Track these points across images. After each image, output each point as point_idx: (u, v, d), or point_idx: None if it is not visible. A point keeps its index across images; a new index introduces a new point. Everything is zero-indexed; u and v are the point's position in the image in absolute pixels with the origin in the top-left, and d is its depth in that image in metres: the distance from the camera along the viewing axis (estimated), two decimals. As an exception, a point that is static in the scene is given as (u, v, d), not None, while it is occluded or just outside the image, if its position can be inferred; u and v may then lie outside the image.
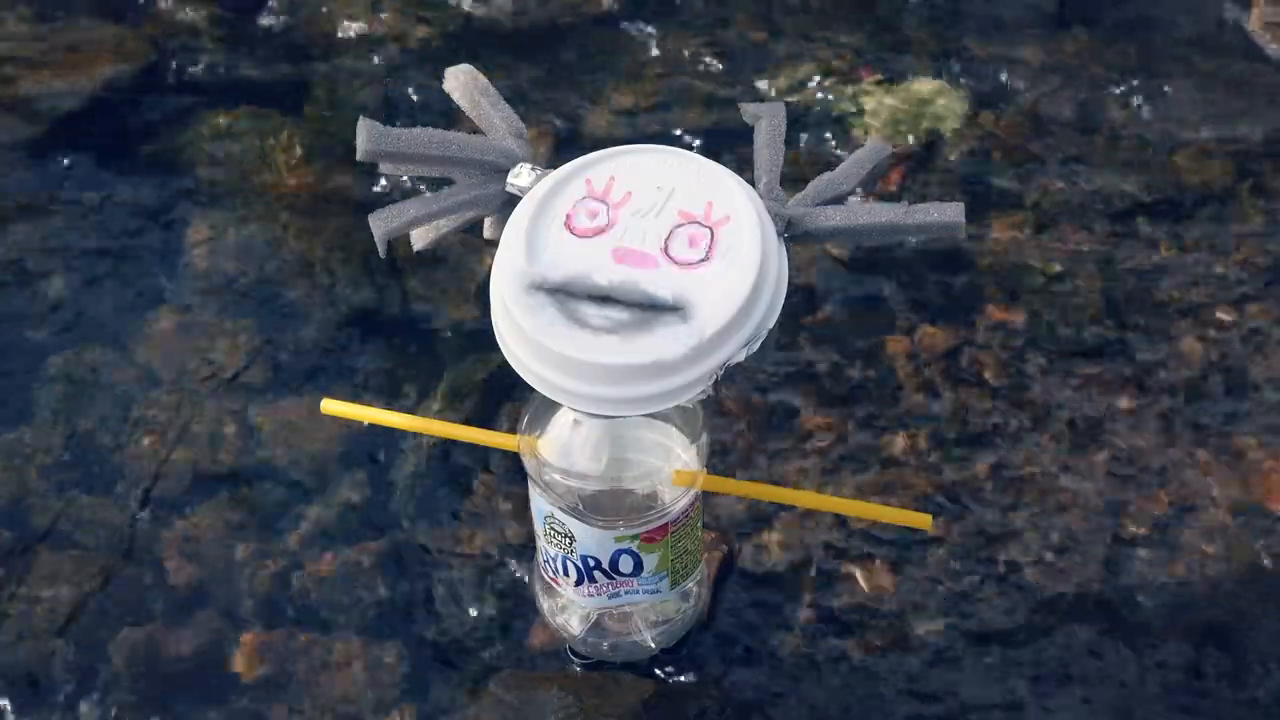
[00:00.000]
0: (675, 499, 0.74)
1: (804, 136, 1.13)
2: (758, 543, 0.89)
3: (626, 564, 0.75)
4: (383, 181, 1.10)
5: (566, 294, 0.62)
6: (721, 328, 0.61)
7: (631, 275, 0.62)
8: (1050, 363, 0.98)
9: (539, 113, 1.15)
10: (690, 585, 0.81)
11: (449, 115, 1.05)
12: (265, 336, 1.01)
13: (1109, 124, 1.14)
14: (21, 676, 0.85)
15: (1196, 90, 1.16)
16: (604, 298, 0.61)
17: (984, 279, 1.03)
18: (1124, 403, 0.96)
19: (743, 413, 0.95)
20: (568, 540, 0.74)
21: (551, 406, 0.72)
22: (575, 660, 0.84)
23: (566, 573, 0.77)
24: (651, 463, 0.75)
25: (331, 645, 0.85)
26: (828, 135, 1.14)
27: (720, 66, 1.20)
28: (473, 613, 0.87)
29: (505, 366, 0.64)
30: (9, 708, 0.83)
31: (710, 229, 0.64)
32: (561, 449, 0.73)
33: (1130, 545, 0.89)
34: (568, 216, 0.65)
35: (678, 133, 1.14)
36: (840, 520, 0.89)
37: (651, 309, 0.61)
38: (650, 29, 1.23)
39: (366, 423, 0.93)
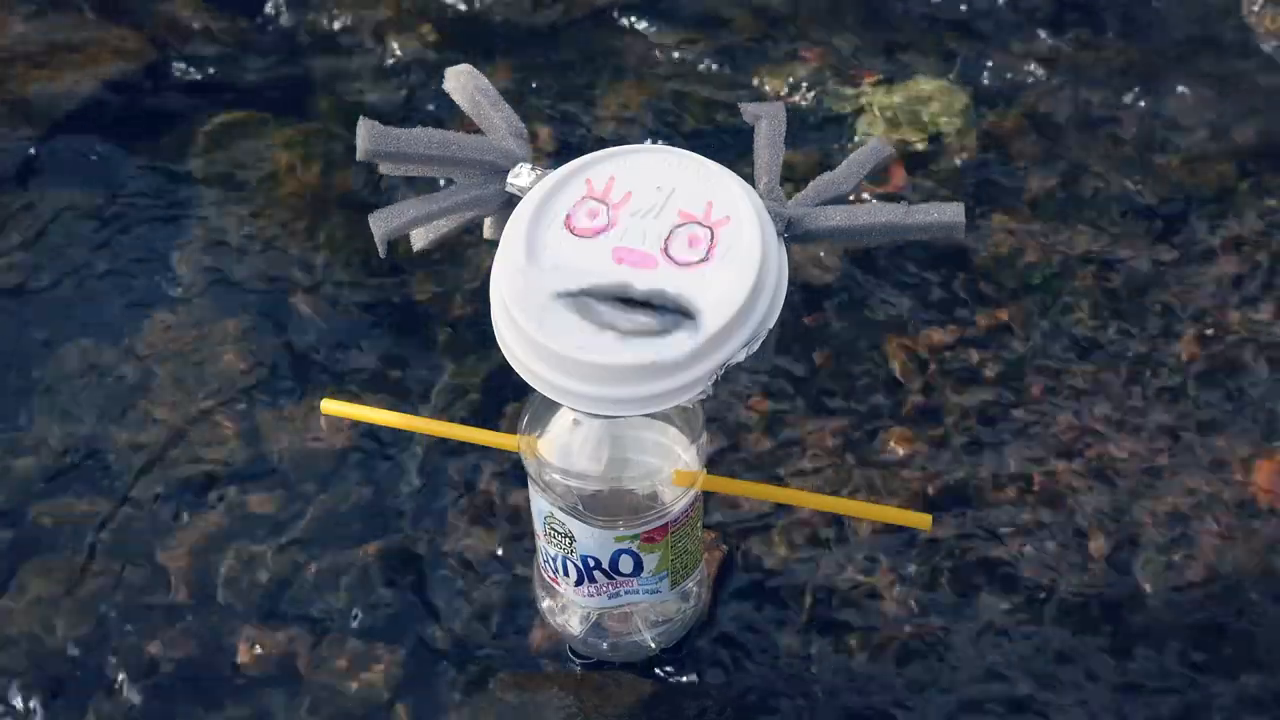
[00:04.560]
0: (675, 499, 0.74)
1: (803, 137, 1.13)
2: (758, 542, 0.89)
3: (626, 564, 0.75)
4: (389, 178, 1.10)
5: (589, 296, 0.62)
6: (721, 328, 0.61)
7: (639, 278, 0.62)
8: (1050, 362, 0.98)
9: (539, 113, 1.15)
10: (690, 585, 0.81)
11: (449, 115, 1.05)
12: (265, 336, 1.01)
13: (1109, 124, 1.14)
14: (19, 677, 0.85)
15: (1196, 90, 1.16)
16: (628, 301, 0.61)
17: (984, 279, 1.03)
18: (1124, 402, 0.96)
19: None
20: (568, 540, 0.74)
21: (551, 406, 0.72)
22: (575, 660, 0.84)
23: (566, 573, 0.77)
24: (651, 463, 0.75)
25: (331, 645, 0.85)
26: (828, 135, 1.14)
27: (720, 66, 1.20)
28: (473, 613, 0.87)
29: (505, 366, 0.64)
30: (8, 709, 0.83)
31: (710, 229, 0.64)
32: (561, 449, 0.73)
33: (1131, 545, 0.89)
34: (568, 216, 0.65)
35: (677, 133, 1.14)
36: (840, 520, 0.89)
37: (673, 313, 0.61)
38: (650, 29, 1.23)
39: (366, 423, 0.93)
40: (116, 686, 0.84)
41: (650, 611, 0.82)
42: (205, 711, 0.83)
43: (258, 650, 0.85)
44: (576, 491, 0.73)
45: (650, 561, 0.75)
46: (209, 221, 1.09)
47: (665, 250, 0.63)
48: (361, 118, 0.67)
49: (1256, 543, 0.89)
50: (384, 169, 0.69)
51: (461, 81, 0.70)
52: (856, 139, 1.13)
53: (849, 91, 1.17)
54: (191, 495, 0.92)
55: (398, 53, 1.22)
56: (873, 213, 0.66)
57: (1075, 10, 1.24)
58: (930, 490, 0.91)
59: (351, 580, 0.88)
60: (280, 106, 1.18)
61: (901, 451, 0.93)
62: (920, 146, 1.12)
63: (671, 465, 0.74)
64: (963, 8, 1.24)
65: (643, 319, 0.61)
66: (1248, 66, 1.19)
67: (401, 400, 0.97)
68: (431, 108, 1.16)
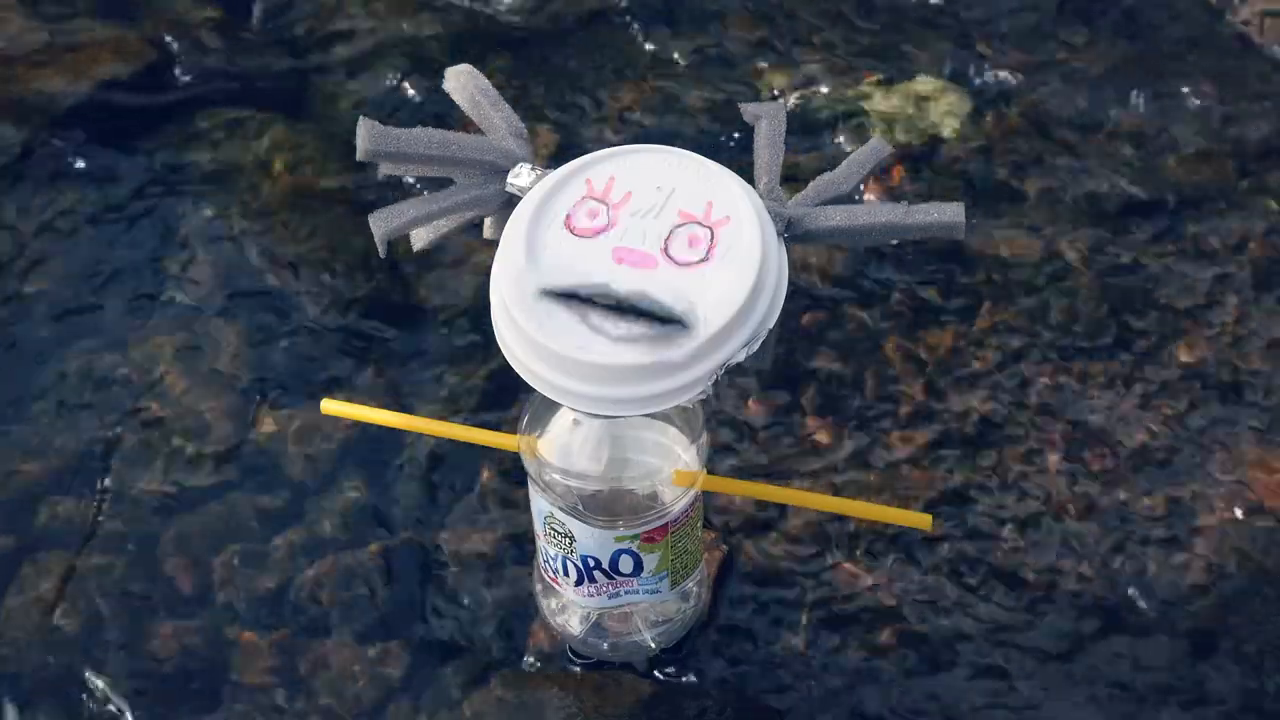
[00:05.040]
0: (675, 499, 0.74)
1: (803, 136, 1.13)
2: (758, 542, 0.89)
3: (626, 564, 0.75)
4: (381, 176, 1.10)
5: (578, 299, 0.62)
6: (721, 328, 0.61)
7: (639, 283, 0.62)
8: (1050, 362, 0.98)
9: (539, 113, 1.15)
10: (690, 585, 0.81)
11: (449, 115, 1.05)
12: (264, 335, 1.01)
13: (1109, 124, 1.14)
14: (19, 677, 0.85)
15: (1196, 90, 1.16)
16: (617, 308, 0.61)
17: (984, 279, 1.03)
18: (1124, 403, 0.96)
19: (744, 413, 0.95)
20: (568, 540, 0.74)
21: (551, 406, 0.72)
22: (575, 660, 0.84)
23: (566, 573, 0.77)
24: (651, 463, 0.75)
25: (331, 645, 0.85)
26: (827, 135, 1.14)
27: (720, 66, 1.20)
28: (473, 613, 0.87)
29: (505, 366, 0.64)
30: (7, 709, 0.83)
31: (710, 229, 0.64)
32: (561, 449, 0.73)
33: (1130, 545, 0.89)
34: (568, 217, 0.65)
35: (677, 133, 1.14)
36: (840, 520, 0.89)
37: (664, 321, 0.61)
38: (650, 29, 1.23)
39: (366, 422, 0.93)
40: (116, 686, 0.84)
41: (650, 611, 0.82)
42: (205, 711, 0.83)
43: (257, 650, 0.85)
44: (576, 491, 0.73)
45: (650, 561, 0.75)
46: (208, 221, 1.09)
47: (665, 250, 0.63)
48: (361, 117, 0.66)
49: (1257, 542, 0.89)
50: (384, 169, 0.69)
51: (461, 81, 0.70)
52: (856, 139, 1.13)
53: (849, 91, 1.17)
54: (191, 495, 0.92)
55: (397, 52, 1.22)
56: (873, 213, 0.66)
57: (1075, 10, 1.24)
58: (930, 490, 0.91)
59: (351, 580, 0.88)
60: (280, 106, 1.18)
61: (901, 451, 0.93)
62: (920, 147, 1.12)
63: (671, 465, 0.74)
64: (963, 7, 1.24)
65: (635, 328, 0.61)
66: (1247, 66, 1.19)
67: (401, 400, 0.97)
68: (433, 108, 1.16)
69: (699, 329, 0.61)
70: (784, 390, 0.96)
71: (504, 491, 0.92)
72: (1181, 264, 1.04)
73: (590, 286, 0.62)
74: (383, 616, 0.87)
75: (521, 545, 0.89)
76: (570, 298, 0.62)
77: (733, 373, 0.62)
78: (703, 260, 0.63)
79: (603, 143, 1.11)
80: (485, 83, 0.70)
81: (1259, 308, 1.01)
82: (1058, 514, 0.90)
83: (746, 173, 0.67)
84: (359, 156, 0.67)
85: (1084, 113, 1.15)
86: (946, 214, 0.65)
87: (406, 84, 1.19)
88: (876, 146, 0.69)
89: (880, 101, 1.16)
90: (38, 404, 0.98)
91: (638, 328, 0.61)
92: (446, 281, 1.04)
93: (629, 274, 0.62)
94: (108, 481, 0.93)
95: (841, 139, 1.13)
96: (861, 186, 0.73)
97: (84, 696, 0.84)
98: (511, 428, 0.76)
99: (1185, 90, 1.16)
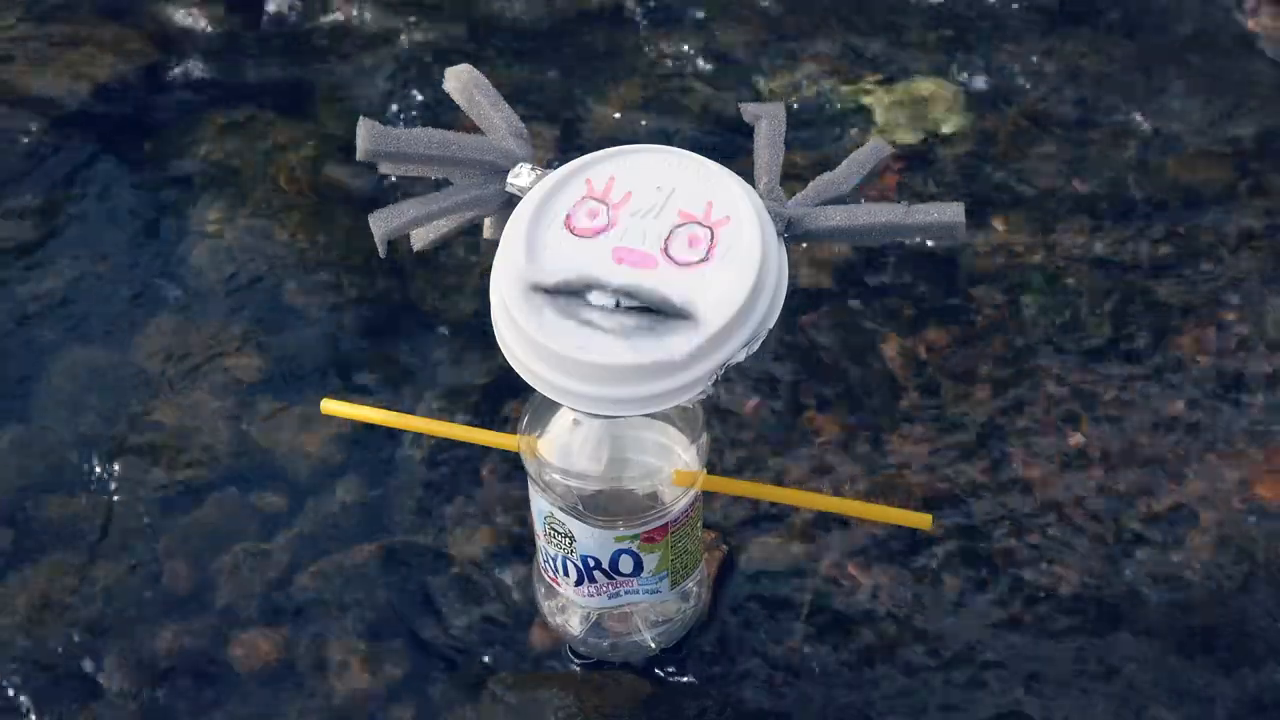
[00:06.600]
0: (675, 499, 0.74)
1: (803, 136, 1.13)
2: (758, 543, 0.89)
3: (626, 564, 0.75)
4: (390, 178, 1.10)
5: (569, 295, 0.62)
6: (722, 328, 0.61)
7: (635, 277, 0.62)
8: (1050, 362, 0.98)
9: (539, 112, 1.15)
10: (690, 585, 0.81)
11: (449, 115, 1.05)
12: (264, 336, 1.01)
13: (1109, 124, 1.14)
14: (19, 677, 0.85)
15: (1196, 90, 1.16)
16: (613, 302, 0.62)
17: (984, 279, 1.03)
18: (1124, 402, 0.96)
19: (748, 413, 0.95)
20: (568, 540, 0.74)
21: (551, 406, 0.72)
22: (575, 660, 0.84)
23: (566, 573, 0.77)
24: (651, 463, 0.75)
25: (331, 646, 0.85)
26: (827, 135, 1.14)
27: (720, 66, 1.20)
28: (473, 613, 0.87)
29: (505, 366, 0.64)
30: (7, 708, 0.83)
31: (710, 229, 0.64)
32: (561, 449, 0.73)
33: (1130, 545, 0.89)
34: (568, 216, 0.65)
35: (677, 133, 1.14)
36: (840, 520, 0.89)
37: (659, 313, 0.61)
38: (651, 28, 1.23)
39: (366, 423, 0.93)
40: (116, 686, 0.84)
41: (650, 611, 0.82)
42: (205, 711, 0.83)
43: (257, 650, 0.85)
44: (576, 491, 0.73)
45: (650, 561, 0.75)
46: (209, 221, 1.09)
47: (665, 250, 0.63)
48: (361, 117, 0.67)
49: (1257, 541, 0.89)
50: (384, 169, 0.69)
51: (461, 81, 0.70)
52: (856, 139, 1.13)
53: (849, 91, 1.17)
54: (191, 495, 0.93)
55: (398, 52, 1.22)
56: (873, 213, 0.66)
57: (1075, 9, 1.24)
58: (930, 490, 0.91)
59: (351, 580, 0.88)
60: (280, 106, 1.18)
61: (901, 451, 0.93)
62: (920, 147, 1.12)
63: (671, 465, 0.74)
64: (963, 7, 1.24)
65: (626, 320, 0.61)
66: (1247, 65, 1.19)
67: (402, 400, 0.97)
68: (433, 108, 1.16)
69: (701, 320, 0.61)
70: (784, 390, 0.96)
71: (504, 492, 0.92)
72: (1182, 263, 1.04)
73: (582, 279, 0.62)
74: (383, 617, 0.87)
75: (521, 545, 0.89)
76: (564, 294, 0.62)
77: (733, 372, 0.62)
78: (703, 260, 0.63)
79: (603, 142, 1.11)
80: (485, 82, 0.70)
81: (1259, 307, 1.01)
82: (1058, 513, 0.90)
83: (746, 173, 0.67)
84: (359, 156, 0.67)
85: (1084, 112, 1.15)
86: (946, 214, 0.65)
87: (408, 84, 1.19)
88: (876, 146, 0.69)
89: (880, 101, 1.16)
90: (39, 403, 0.98)
91: (630, 319, 0.61)
92: (447, 281, 1.04)
93: (629, 274, 0.63)
94: (108, 481, 0.93)
95: (841, 139, 1.13)
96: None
97: (84, 696, 0.84)
98: (511, 428, 0.76)
99: (1185, 90, 1.16)
